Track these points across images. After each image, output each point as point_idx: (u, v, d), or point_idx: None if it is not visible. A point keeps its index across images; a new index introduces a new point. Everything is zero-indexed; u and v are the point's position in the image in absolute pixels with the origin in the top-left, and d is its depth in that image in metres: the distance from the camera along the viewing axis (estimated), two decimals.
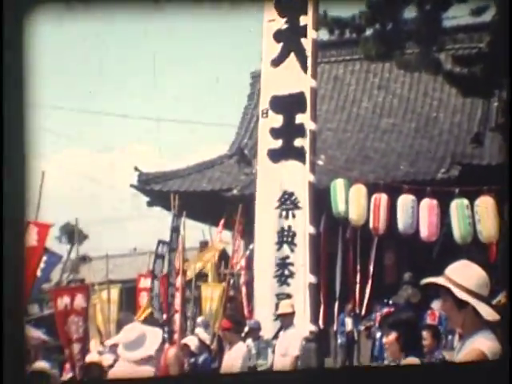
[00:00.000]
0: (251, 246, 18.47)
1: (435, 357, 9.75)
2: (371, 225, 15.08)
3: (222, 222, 20.63)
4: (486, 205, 13.98)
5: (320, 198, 12.61)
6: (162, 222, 13.63)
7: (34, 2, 4.45)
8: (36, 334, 10.85)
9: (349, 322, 19.49)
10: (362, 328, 18.22)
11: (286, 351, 10.40)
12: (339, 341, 20.04)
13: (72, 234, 35.15)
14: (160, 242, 13.38)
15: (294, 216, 11.69)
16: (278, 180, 11.95)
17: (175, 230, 13.14)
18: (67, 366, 10.12)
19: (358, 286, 16.39)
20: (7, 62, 4.01)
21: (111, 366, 8.77)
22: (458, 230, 14.44)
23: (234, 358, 9.28)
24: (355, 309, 17.36)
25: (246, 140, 24.82)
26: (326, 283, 16.30)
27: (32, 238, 7.52)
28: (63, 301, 9.67)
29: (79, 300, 9.87)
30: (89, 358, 9.78)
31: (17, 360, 4.04)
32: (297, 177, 11.73)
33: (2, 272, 3.96)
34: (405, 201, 14.78)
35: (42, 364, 9.57)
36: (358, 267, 16.34)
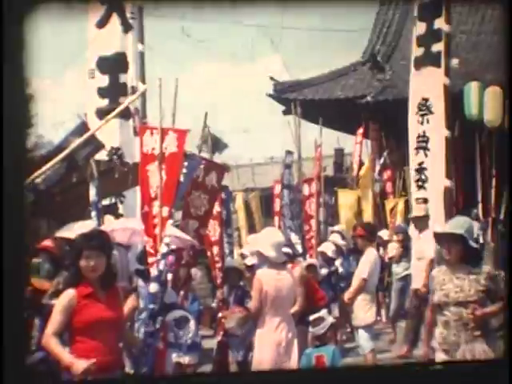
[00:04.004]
0: (385, 153, 18.17)
1: None
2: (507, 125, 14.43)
3: (361, 131, 20.33)
4: None
5: (455, 101, 12.18)
6: (297, 131, 13.43)
7: (34, 2, 4.31)
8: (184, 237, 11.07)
9: (475, 227, 18.87)
10: None
11: (422, 254, 10.18)
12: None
13: (213, 142, 35.60)
14: (287, 152, 13.32)
15: (428, 121, 11.46)
16: (419, 86, 11.72)
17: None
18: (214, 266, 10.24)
19: (493, 191, 15.83)
20: (7, 62, 3.90)
21: (252, 268, 8.82)
22: None
23: (364, 263, 9.21)
24: (488, 213, 16.77)
25: (378, 46, 24.12)
26: (461, 188, 15.83)
27: (172, 144, 7.50)
28: None
29: (215, 205, 9.93)
30: (229, 262, 9.87)
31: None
32: (433, 82, 11.42)
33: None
34: None
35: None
36: (494, 171, 15.76)
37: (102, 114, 10.57)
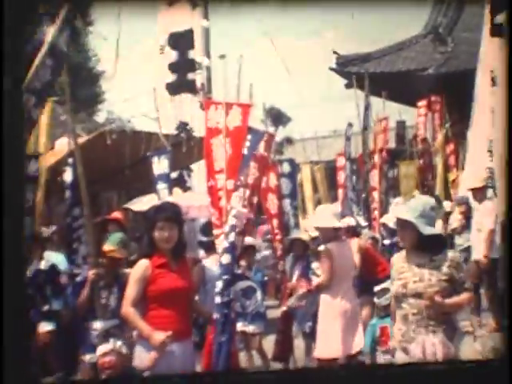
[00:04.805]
0: (447, 126, 17.91)
1: None
2: None
3: (424, 103, 20.05)
4: None
5: None
6: (358, 104, 13.31)
7: (34, 2, 4.27)
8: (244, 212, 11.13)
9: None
10: None
11: (482, 226, 10.01)
12: None
13: (276, 116, 35.59)
14: (349, 124, 13.23)
15: None
16: (493, 57, 11.49)
17: (368, 110, 12.89)
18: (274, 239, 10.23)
19: None
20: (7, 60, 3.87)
21: (315, 239, 8.81)
22: None
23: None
24: None
25: (440, 18, 23.70)
26: None
27: (236, 118, 7.52)
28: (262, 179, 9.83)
29: (272, 178, 9.94)
30: (294, 234, 9.86)
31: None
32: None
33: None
34: None
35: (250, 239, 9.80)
36: None
37: (171, 88, 10.67)
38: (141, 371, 5.30)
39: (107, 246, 6.47)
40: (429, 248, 5.11)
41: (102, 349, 5.66)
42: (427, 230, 5.07)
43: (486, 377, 4.21)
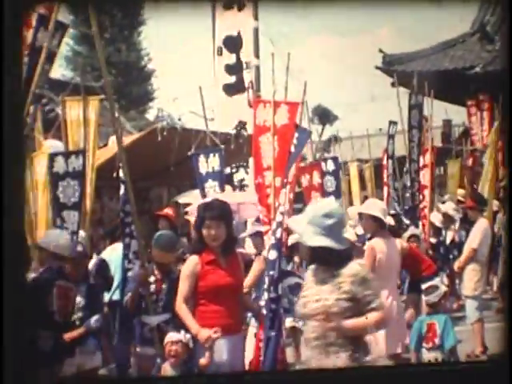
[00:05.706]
0: (495, 124, 17.66)
1: None
2: None
3: (473, 102, 19.84)
4: None
5: None
6: (404, 103, 13.14)
7: (34, 2, 4.26)
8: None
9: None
10: None
11: None
12: None
13: (323, 115, 35.46)
14: (391, 122, 13.09)
15: None
16: None
17: (414, 108, 12.77)
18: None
19: None
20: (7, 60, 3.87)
21: (360, 237, 8.74)
22: None
23: (474, 233, 9.03)
24: None
25: (488, 17, 23.36)
26: None
27: (283, 116, 7.53)
28: (305, 177, 9.88)
29: (316, 176, 9.93)
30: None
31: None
32: None
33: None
34: None
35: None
36: None
37: (228, 89, 10.77)
38: (200, 368, 5.32)
39: (154, 249, 6.44)
40: (331, 261, 4.30)
41: (171, 336, 5.66)
42: (312, 241, 4.27)
43: (486, 377, 4.14)
